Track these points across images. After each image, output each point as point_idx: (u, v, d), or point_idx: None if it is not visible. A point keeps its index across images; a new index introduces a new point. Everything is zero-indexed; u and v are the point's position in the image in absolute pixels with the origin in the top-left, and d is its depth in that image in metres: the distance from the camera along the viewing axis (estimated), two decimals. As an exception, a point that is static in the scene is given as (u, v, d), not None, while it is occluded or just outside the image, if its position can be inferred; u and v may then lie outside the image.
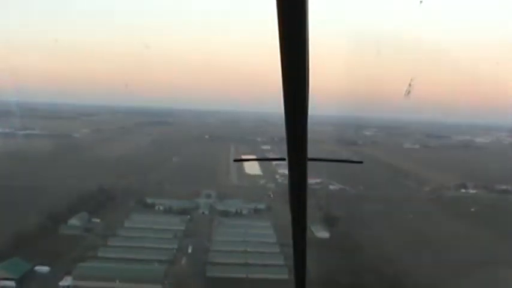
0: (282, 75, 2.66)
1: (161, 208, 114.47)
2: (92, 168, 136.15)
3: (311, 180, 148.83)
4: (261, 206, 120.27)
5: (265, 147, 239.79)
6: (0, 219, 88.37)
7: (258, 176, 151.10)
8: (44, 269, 78.21)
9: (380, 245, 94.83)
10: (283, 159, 3.89)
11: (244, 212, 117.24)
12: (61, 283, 74.44)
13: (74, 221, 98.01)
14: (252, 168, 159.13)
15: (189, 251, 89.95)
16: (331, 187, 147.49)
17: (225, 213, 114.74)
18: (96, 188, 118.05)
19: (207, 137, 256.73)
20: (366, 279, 79.17)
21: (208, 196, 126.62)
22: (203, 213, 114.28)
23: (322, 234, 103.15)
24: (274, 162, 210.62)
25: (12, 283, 73.41)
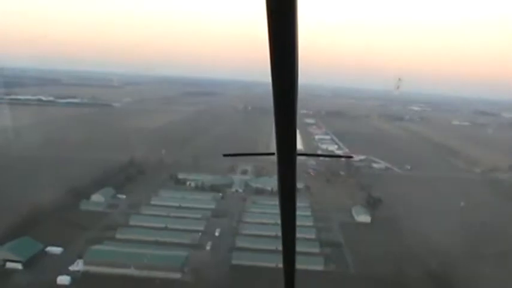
0: (271, 71, 2.64)
1: (192, 185, 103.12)
2: (117, 140, 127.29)
3: (355, 157, 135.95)
4: (299, 185, 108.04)
5: (309, 120, 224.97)
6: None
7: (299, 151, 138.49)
8: (57, 250, 69.31)
9: (422, 236, 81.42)
10: (272, 154, 3.63)
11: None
12: (71, 268, 65.11)
13: (97, 197, 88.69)
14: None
15: (216, 234, 79.13)
16: (375, 165, 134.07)
17: (260, 191, 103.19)
18: (126, 161, 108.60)
19: (250, 108, 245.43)
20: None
21: (244, 172, 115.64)
22: (236, 191, 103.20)
23: (363, 218, 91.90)
24: (317, 137, 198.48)
25: (18, 265, 64.82)
